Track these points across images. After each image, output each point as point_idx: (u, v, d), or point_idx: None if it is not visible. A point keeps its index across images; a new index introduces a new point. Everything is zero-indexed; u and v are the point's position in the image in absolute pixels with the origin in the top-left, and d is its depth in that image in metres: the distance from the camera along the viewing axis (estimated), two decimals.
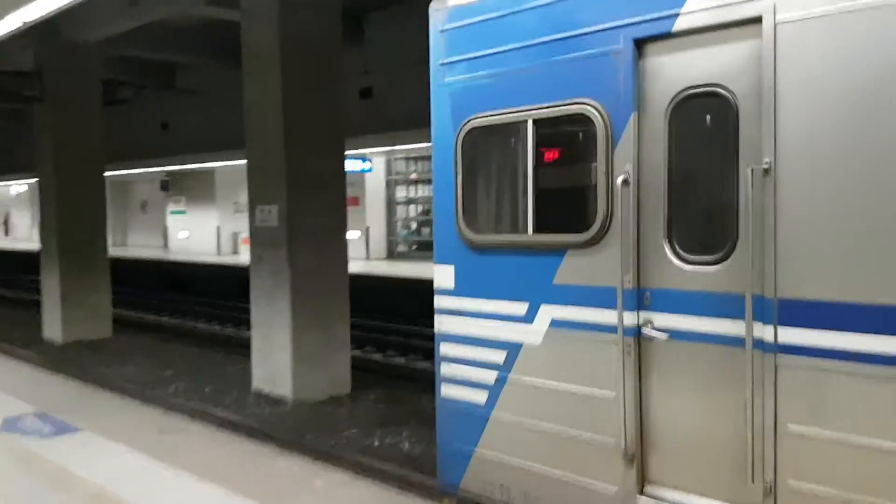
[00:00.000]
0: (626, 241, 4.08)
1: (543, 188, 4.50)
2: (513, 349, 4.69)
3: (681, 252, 3.99)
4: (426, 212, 28.26)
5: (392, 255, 28.96)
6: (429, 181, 27.55)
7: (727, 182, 3.83)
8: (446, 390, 5.10)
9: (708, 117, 3.94)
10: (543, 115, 4.44)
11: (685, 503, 3.98)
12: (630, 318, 4.10)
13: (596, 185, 4.23)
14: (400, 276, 20.61)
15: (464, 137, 4.85)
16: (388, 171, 28.78)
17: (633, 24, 4.04)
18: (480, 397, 4.88)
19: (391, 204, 28.98)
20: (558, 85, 4.37)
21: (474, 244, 4.84)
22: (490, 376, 4.82)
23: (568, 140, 4.45)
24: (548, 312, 4.49)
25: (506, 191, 4.80)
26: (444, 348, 5.10)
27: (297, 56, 10.08)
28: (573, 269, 4.35)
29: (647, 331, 4.07)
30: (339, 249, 11.12)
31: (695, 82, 3.89)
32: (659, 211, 4.04)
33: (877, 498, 3.32)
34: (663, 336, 4.01)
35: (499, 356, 4.77)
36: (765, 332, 3.62)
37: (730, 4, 3.70)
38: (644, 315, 4.11)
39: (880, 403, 3.31)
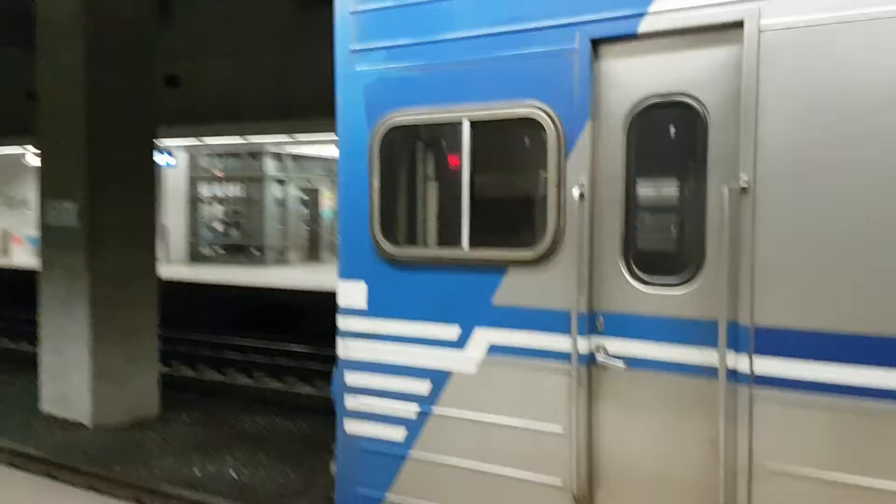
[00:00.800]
0: (581, 259, 3.69)
1: (481, 198, 4.02)
2: (439, 378, 4.17)
3: (639, 273, 3.66)
4: (234, 212, 26.96)
5: (195, 258, 27.24)
6: (236, 179, 26.25)
7: (693, 199, 3.55)
8: (352, 426, 4.48)
9: (672, 129, 3.64)
10: (483, 117, 3.95)
11: None
12: (582, 345, 3.72)
13: (545, 197, 3.81)
14: (209, 282, 19.34)
15: (382, 137, 4.26)
16: (192, 167, 27.04)
17: (591, 21, 3.66)
18: (396, 434, 4.31)
19: (194, 202, 27.28)
20: (503, 83, 3.90)
21: (394, 258, 4.27)
22: (410, 410, 4.27)
23: (511, 145, 4.02)
24: (484, 337, 4.02)
25: (435, 200, 4.27)
26: (351, 377, 4.48)
27: (104, 33, 9.02)
28: (516, 288, 3.91)
29: (602, 358, 3.70)
30: (148, 252, 10.27)
31: (659, 90, 3.58)
32: (615, 227, 3.69)
33: None
34: (620, 364, 3.66)
35: (421, 386, 4.23)
36: (738, 361, 3.35)
37: (705, 6, 3.41)
38: (596, 340, 3.74)
39: (865, 439, 3.13)
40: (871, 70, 3.08)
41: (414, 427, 4.25)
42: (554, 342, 3.82)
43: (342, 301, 4.51)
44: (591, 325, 3.75)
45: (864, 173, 3.11)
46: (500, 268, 3.95)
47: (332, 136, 17.75)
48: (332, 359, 14.81)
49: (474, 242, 4.02)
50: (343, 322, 4.50)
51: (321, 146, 25.29)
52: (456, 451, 4.12)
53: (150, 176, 10.49)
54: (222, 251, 26.58)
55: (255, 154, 25.51)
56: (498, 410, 4.00)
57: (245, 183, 26.18)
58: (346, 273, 4.48)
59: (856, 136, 3.12)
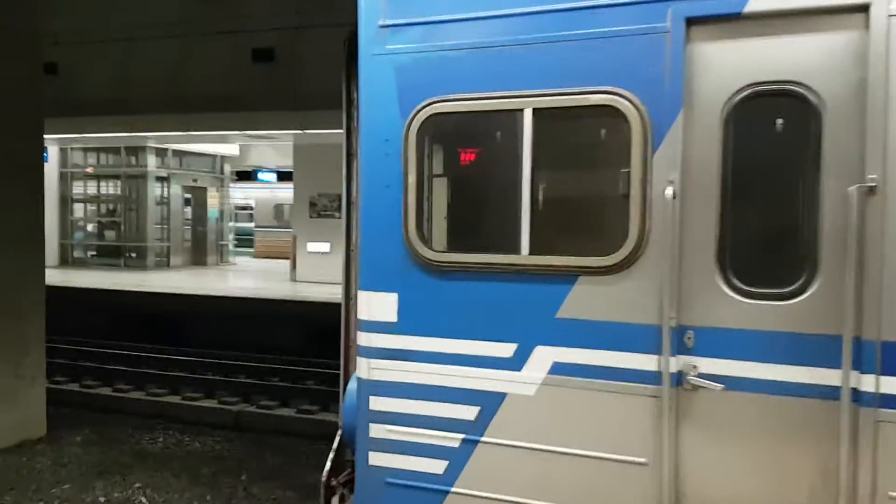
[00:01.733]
0: (672, 267, 3.25)
1: (543, 197, 3.51)
2: (490, 403, 3.63)
3: (737, 283, 3.26)
4: (111, 212, 25.05)
5: (67, 261, 25.16)
6: (113, 176, 24.40)
7: (804, 200, 3.18)
8: (378, 458, 3.86)
9: (779, 121, 3.26)
10: (550, 104, 3.45)
11: None
12: (670, 364, 3.29)
13: (625, 197, 3.35)
14: (84, 287, 17.82)
15: (420, 126, 3.68)
16: (63, 163, 24.88)
17: None
18: (435, 467, 3.74)
19: (66, 202, 25.14)
20: (575, 67, 3.42)
21: (432, 265, 3.69)
22: (452, 438, 3.71)
23: (582, 138, 3.53)
24: (546, 355, 3.51)
25: (487, 198, 3.72)
26: (377, 402, 3.86)
27: None
28: (587, 300, 3.43)
29: (694, 380, 3.28)
30: (35, 257, 9.29)
31: (764, 77, 3.19)
32: (709, 232, 3.28)
33: None
34: (718, 386, 3.24)
35: (467, 412, 3.68)
36: (862, 381, 3.01)
37: None
38: (685, 360, 3.31)
39: None
40: None
41: (457, 458, 3.69)
42: (633, 361, 3.36)
43: (364, 314, 3.89)
44: (678, 341, 3.32)
45: None
46: (567, 277, 3.46)
47: (228, 132, 16.72)
48: (233, 369, 13.87)
49: (535, 248, 3.51)
50: (365, 338, 3.88)
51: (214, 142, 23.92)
52: (510, 486, 3.60)
53: (37, 172, 9.41)
54: (96, 254, 24.57)
55: (135, 149, 23.74)
56: (563, 439, 3.50)
57: (123, 180, 24.32)
58: (370, 283, 3.87)
59: None
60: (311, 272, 20.07)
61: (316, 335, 15.73)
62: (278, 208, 32.59)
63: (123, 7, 14.93)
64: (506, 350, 3.59)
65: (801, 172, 3.19)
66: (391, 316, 3.81)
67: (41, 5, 9.24)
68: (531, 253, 3.51)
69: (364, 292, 3.89)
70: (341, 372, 5.13)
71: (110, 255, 24.22)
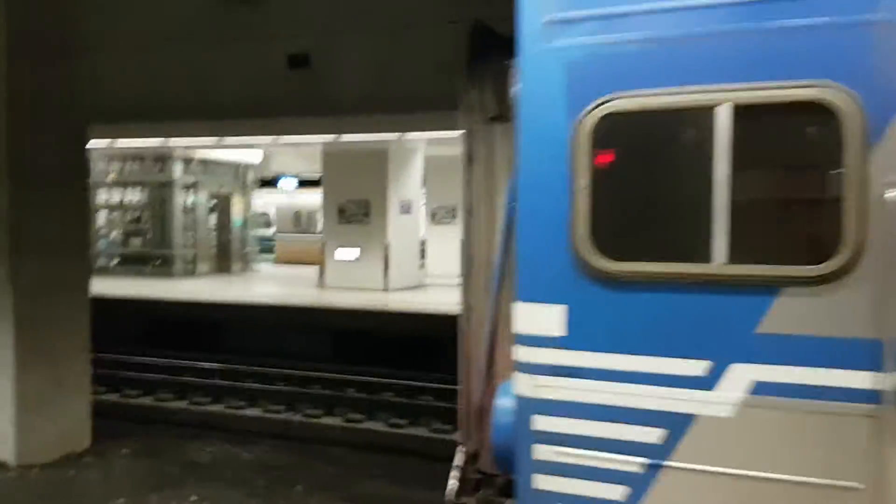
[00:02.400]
0: (893, 276, 2.98)
1: (741, 201, 3.23)
2: (678, 424, 3.35)
3: None
4: (136, 220, 24.81)
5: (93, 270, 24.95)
6: (135, 183, 24.16)
7: None
8: (544, 482, 3.59)
9: None
10: (750, 99, 3.18)
11: None
12: (889, 381, 3.01)
13: (839, 200, 3.07)
14: (117, 297, 17.61)
15: (594, 126, 3.41)
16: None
17: None
18: (613, 493, 3.46)
19: (90, 210, 24.96)
20: (777, 60, 3.15)
21: (608, 276, 3.42)
22: (633, 463, 3.43)
23: (789, 135, 3.25)
24: (744, 373, 3.24)
25: (672, 203, 3.45)
26: (543, 422, 3.59)
27: (25, 7, 7.79)
28: (793, 313, 3.15)
29: None
30: (80, 264, 9.20)
31: None
32: None
33: None
34: None
35: (651, 435, 3.40)
36: None
37: None
38: None
39: None
40: None
41: (639, 484, 3.41)
42: (847, 379, 3.09)
43: (524, 328, 3.63)
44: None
45: None
46: (769, 288, 3.19)
47: (257, 140, 16.45)
48: (273, 378, 13.72)
49: (733, 257, 3.23)
50: (527, 353, 3.61)
51: (238, 150, 23.71)
52: None
53: (82, 177, 9.26)
54: (121, 262, 24.33)
55: (161, 158, 23.53)
56: (764, 463, 3.22)
57: (150, 188, 24.10)
58: (531, 294, 3.60)
59: None
60: (341, 278, 19.85)
61: (351, 342, 15.54)
62: (299, 215, 32.37)
63: (149, 11, 14.71)
64: (696, 368, 3.32)
65: None
66: (559, 329, 3.54)
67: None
68: (728, 262, 3.24)
69: (524, 304, 3.63)
70: (463, 388, 4.87)
71: (135, 263, 23.97)
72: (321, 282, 20.41)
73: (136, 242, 24.47)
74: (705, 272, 3.28)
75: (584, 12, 3.45)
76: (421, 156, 20.98)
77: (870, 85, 3.02)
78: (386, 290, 19.31)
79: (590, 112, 3.42)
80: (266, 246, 31.76)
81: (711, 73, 3.24)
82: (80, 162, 9.23)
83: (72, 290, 8.94)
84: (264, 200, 32.14)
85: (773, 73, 3.15)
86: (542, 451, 3.59)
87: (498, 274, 4.70)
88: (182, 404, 12.54)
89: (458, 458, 4.88)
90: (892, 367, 3.00)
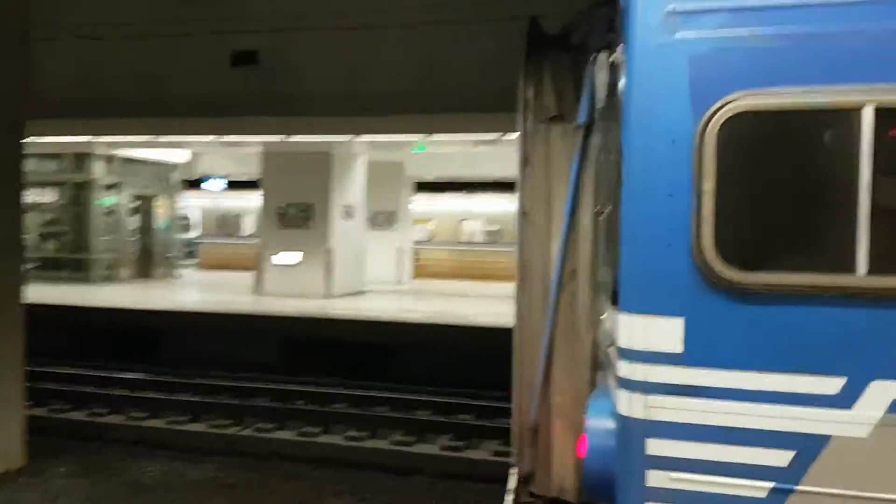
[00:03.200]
0: None
1: (885, 207, 3.05)
2: (809, 447, 3.14)
3: None
4: (52, 222, 23.31)
5: None
6: (52, 183, 22.74)
7: None
8: None
9: None
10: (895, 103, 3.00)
11: None
12: None
13: None
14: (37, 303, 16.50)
15: (723, 124, 3.18)
16: None
17: None
18: None
19: None
20: None
21: (737, 286, 3.18)
22: (758, 488, 3.20)
23: None
24: (884, 391, 3.05)
25: (808, 210, 3.24)
26: (658, 446, 3.32)
27: None
28: None
29: None
30: (13, 270, 8.44)
31: None
32: None
33: None
34: None
35: (779, 458, 3.18)
36: None
37: None
38: None
39: None
40: None
41: None
42: None
43: (631, 342, 3.35)
44: None
45: None
46: None
47: (205, 137, 15.69)
48: (217, 390, 13.02)
49: (876, 267, 3.04)
50: (637, 371, 3.33)
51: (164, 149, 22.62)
52: None
53: (17, 176, 8.55)
54: (38, 267, 22.81)
55: (81, 155, 22.20)
56: None
57: (67, 188, 22.70)
58: (642, 305, 3.33)
59: None
60: (280, 284, 19.16)
61: (297, 351, 14.96)
62: (226, 218, 31.28)
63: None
64: (831, 385, 3.11)
65: None
66: (675, 345, 3.28)
67: None
68: (870, 272, 3.05)
69: (632, 316, 3.35)
70: (516, 405, 4.57)
71: (51, 268, 22.50)
72: (258, 288, 19.65)
73: (51, 246, 22.96)
74: (844, 284, 3.09)
75: (713, 3, 3.21)
76: (364, 160, 20.53)
77: None
78: (329, 296, 18.75)
79: (717, 110, 3.18)
80: (188, 250, 30.51)
81: (855, 72, 3.05)
82: (16, 160, 8.49)
83: (4, 298, 8.20)
84: (189, 202, 30.93)
85: None
86: (657, 478, 3.31)
87: (557, 284, 4.42)
88: (119, 419, 11.72)
89: (512, 481, 4.57)
90: None
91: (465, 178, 25.10)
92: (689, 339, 3.27)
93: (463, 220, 27.45)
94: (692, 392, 3.27)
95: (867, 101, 3.03)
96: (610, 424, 3.57)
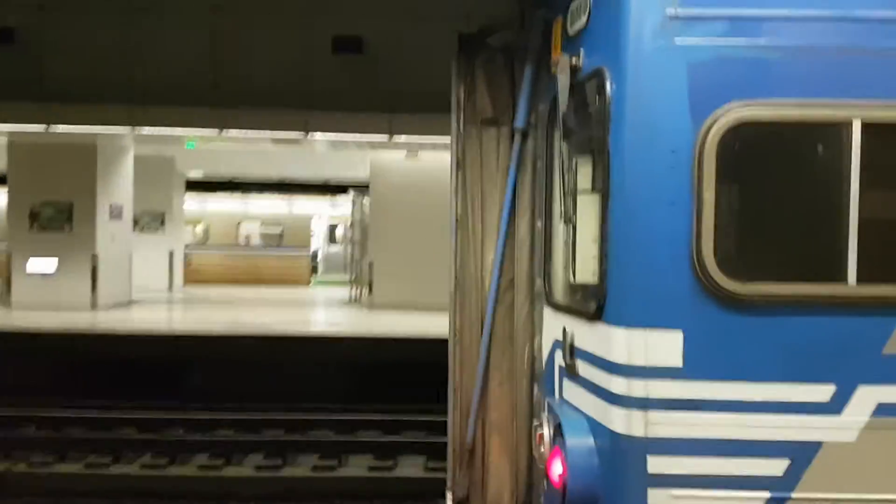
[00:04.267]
0: None
1: (872, 219, 3.19)
2: (803, 454, 3.21)
3: None
4: None
5: None
6: None
7: None
8: None
9: None
10: (884, 117, 3.16)
11: None
12: None
13: None
14: None
15: (723, 135, 3.15)
16: None
17: None
18: None
19: None
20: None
21: (736, 298, 3.17)
22: (754, 499, 3.21)
23: None
24: (870, 396, 3.20)
25: (802, 220, 3.29)
26: (660, 464, 3.21)
27: None
28: None
29: None
30: None
31: None
32: None
33: None
34: None
35: (774, 467, 3.21)
36: None
37: None
38: None
39: None
40: None
41: None
42: None
43: (626, 357, 3.23)
44: None
45: None
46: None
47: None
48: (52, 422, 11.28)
49: (863, 276, 3.18)
50: (635, 387, 3.21)
51: None
52: None
53: None
54: None
55: None
56: (883, 488, 3.21)
57: None
58: (639, 318, 3.22)
59: None
60: (34, 295, 16.91)
61: (59, 372, 13.28)
62: None
63: None
64: (822, 393, 3.20)
65: None
66: (674, 359, 3.20)
67: None
68: (859, 282, 3.17)
69: (629, 330, 3.22)
70: (452, 425, 4.28)
71: None
72: (6, 300, 17.20)
73: None
74: (836, 293, 3.18)
75: (714, 10, 3.17)
76: (132, 155, 18.73)
77: None
78: (94, 307, 16.82)
79: (717, 119, 3.14)
80: None
81: (845, 87, 3.15)
82: None
83: None
84: None
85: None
86: (658, 497, 3.21)
87: (494, 295, 4.19)
88: None
89: None
90: None
91: (244, 178, 23.83)
92: (688, 351, 3.19)
93: (240, 221, 26.08)
94: (692, 406, 3.21)
95: (855, 115, 3.14)
96: (592, 443, 3.41)
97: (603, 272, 3.36)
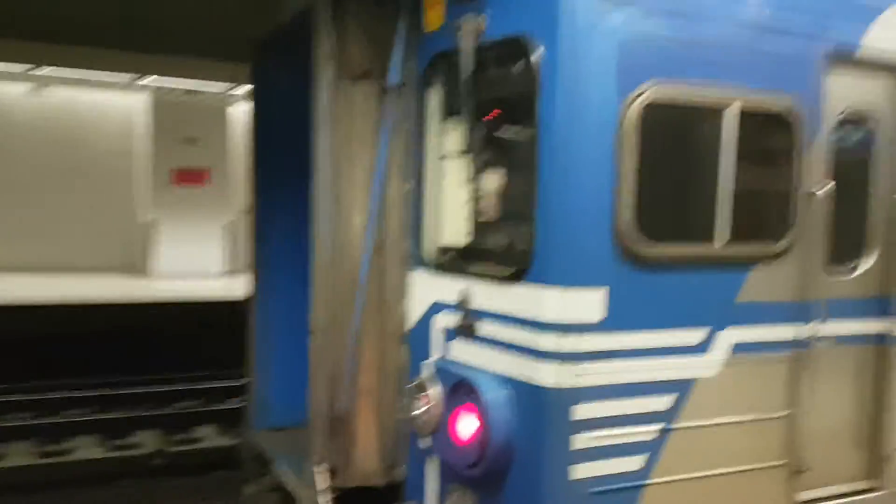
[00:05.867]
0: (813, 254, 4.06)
1: (737, 189, 3.81)
2: (682, 389, 3.77)
3: (839, 267, 4.25)
4: None
5: None
6: None
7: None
8: (584, 470, 3.55)
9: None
10: (749, 105, 3.79)
11: (835, 492, 4.31)
12: (808, 331, 4.08)
13: (787, 195, 3.98)
14: None
15: (642, 111, 3.52)
16: None
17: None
18: (633, 464, 3.68)
19: None
20: (761, 74, 3.84)
21: (646, 259, 3.59)
22: (649, 431, 3.71)
23: (763, 135, 3.94)
24: (728, 337, 3.87)
25: (694, 190, 3.75)
26: (584, 410, 3.53)
27: None
28: (762, 283, 3.92)
29: (821, 341, 4.13)
30: None
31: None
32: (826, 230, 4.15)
33: None
34: (831, 343, 4.17)
35: (663, 402, 3.73)
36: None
37: None
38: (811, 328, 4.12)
39: None
40: None
41: (654, 449, 3.71)
42: (785, 333, 4.02)
43: (556, 316, 3.47)
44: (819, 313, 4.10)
45: None
46: (748, 264, 3.88)
47: None
48: None
49: (727, 238, 3.81)
50: (563, 342, 3.47)
51: None
52: (695, 464, 3.82)
53: None
54: None
55: None
56: (734, 410, 3.92)
57: None
58: (568, 278, 3.47)
59: None
60: None
61: None
62: None
63: None
64: (696, 336, 3.77)
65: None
66: (598, 314, 3.52)
67: None
68: (728, 242, 3.78)
69: (555, 289, 3.46)
70: (313, 398, 4.13)
71: None
72: None
73: None
74: (707, 252, 3.77)
75: None
76: None
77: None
78: None
79: (639, 95, 3.48)
80: None
81: (731, 74, 3.71)
82: None
83: None
84: None
85: (762, 82, 3.81)
86: (582, 440, 3.51)
87: (367, 258, 4.11)
88: None
89: (321, 481, 4.08)
90: (811, 320, 4.03)
91: None
92: (608, 307, 3.52)
93: None
94: (610, 356, 3.55)
95: (731, 101, 3.71)
96: (509, 398, 3.59)
97: (531, 236, 3.51)
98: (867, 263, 4.33)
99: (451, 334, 3.98)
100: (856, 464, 4.42)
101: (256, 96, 5.44)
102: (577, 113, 3.41)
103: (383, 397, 4.24)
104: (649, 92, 3.50)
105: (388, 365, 4.22)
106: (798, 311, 4.04)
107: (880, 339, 4.36)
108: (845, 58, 4.08)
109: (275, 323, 5.36)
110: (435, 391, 3.91)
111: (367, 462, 4.21)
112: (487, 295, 3.76)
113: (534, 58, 3.46)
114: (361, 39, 4.04)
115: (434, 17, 4.08)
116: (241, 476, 5.29)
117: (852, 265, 4.31)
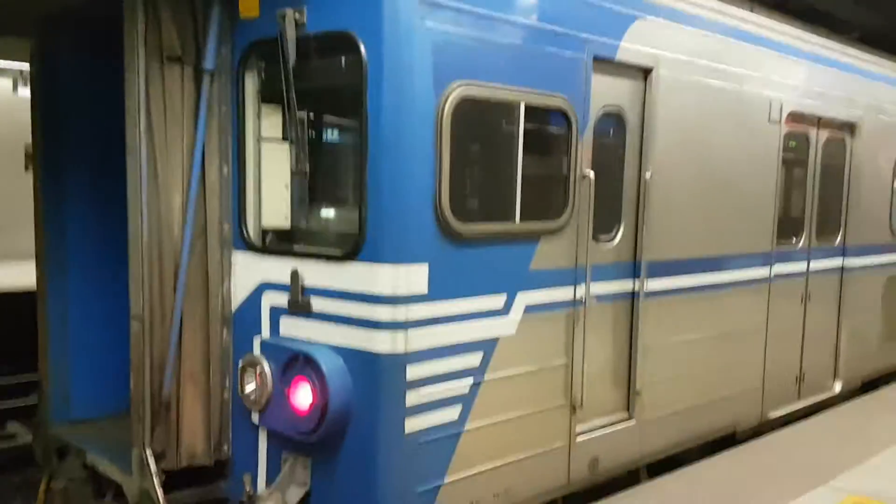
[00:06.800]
0: (583, 227, 4.84)
1: (527, 175, 4.43)
2: (489, 347, 4.36)
3: (602, 237, 5.08)
4: None
5: None
6: None
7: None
8: (413, 423, 4.01)
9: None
10: (535, 103, 4.42)
11: (601, 424, 5.17)
12: (580, 292, 4.86)
13: (566, 178, 4.69)
14: None
15: (454, 107, 3.99)
16: None
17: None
18: (452, 414, 4.21)
19: None
20: (544, 75, 4.48)
21: (460, 236, 4.09)
22: (464, 385, 4.26)
23: (545, 129, 4.57)
24: (523, 300, 4.51)
25: (495, 175, 4.27)
26: (414, 371, 3.98)
27: None
28: (546, 254, 4.61)
29: (589, 300, 4.93)
30: None
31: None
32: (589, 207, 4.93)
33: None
34: (594, 302, 5.00)
35: (474, 359, 4.30)
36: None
37: None
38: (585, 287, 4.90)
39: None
40: None
41: (468, 401, 4.26)
42: (564, 294, 4.77)
43: (390, 289, 3.88)
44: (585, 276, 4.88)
45: None
46: (536, 238, 4.54)
47: None
48: None
49: (522, 216, 4.42)
50: (399, 311, 3.89)
51: None
52: (500, 410, 4.43)
53: None
54: None
55: None
56: (528, 361, 4.58)
57: None
58: (398, 255, 3.89)
59: None
60: None
61: None
62: None
63: None
64: (500, 301, 4.37)
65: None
66: (423, 287, 3.96)
67: None
68: (521, 220, 4.40)
69: (387, 266, 3.85)
70: (136, 384, 4.17)
71: None
72: None
73: None
74: (508, 229, 4.37)
75: (448, 1, 3.90)
76: None
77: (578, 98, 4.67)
78: None
79: (451, 93, 3.94)
80: None
81: (520, 77, 4.29)
82: None
83: None
84: None
85: (545, 84, 4.45)
86: (413, 397, 3.95)
87: (188, 242, 4.19)
88: None
89: (150, 465, 4.09)
90: (583, 282, 4.81)
91: None
92: (431, 280, 3.97)
93: None
94: (434, 322, 4.01)
95: (521, 99, 4.31)
96: (345, 367, 3.92)
97: (362, 219, 3.84)
98: (620, 234, 5.21)
99: (282, 312, 4.18)
100: (615, 399, 5.32)
101: (39, 76, 5.10)
102: (401, 106, 3.79)
103: (208, 379, 4.32)
104: (459, 90, 3.96)
105: (212, 347, 4.30)
106: (573, 275, 4.77)
107: (631, 295, 5.27)
108: (606, 62, 4.85)
109: (71, 312, 5.13)
110: (265, 368, 4.12)
111: (193, 443, 4.29)
112: (319, 273, 4.03)
113: (361, 53, 3.77)
114: (174, 22, 4.04)
115: (249, 5, 4.20)
116: (41, 472, 5.02)
117: (611, 235, 5.16)
